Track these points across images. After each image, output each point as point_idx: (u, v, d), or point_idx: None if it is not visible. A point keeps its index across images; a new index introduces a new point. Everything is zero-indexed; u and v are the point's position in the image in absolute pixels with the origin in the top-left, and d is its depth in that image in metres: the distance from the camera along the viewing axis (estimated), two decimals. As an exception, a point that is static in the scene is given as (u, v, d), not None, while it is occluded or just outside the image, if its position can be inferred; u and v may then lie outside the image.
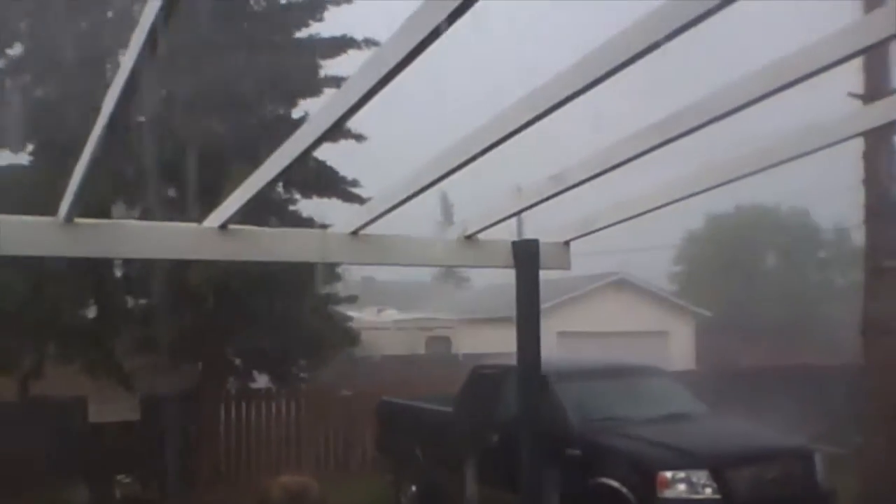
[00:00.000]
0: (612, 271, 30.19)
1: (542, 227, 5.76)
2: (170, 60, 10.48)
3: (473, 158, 3.73)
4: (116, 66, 3.28)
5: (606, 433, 9.08)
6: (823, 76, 3.13)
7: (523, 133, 3.41)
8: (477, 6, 2.31)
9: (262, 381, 15.31)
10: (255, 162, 4.07)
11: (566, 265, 5.58)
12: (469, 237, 5.18)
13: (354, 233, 4.78)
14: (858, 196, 13.00)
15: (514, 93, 3.38)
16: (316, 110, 3.54)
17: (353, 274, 25.87)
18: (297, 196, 14.12)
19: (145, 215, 11.55)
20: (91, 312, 13.29)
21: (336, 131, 3.21)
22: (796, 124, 4.02)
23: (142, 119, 11.31)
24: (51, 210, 4.08)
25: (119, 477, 13.04)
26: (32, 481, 12.05)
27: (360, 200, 13.33)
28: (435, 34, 2.40)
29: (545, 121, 3.30)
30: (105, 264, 12.10)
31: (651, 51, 2.72)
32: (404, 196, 4.30)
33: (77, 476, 12.60)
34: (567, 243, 5.51)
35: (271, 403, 15.02)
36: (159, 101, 11.29)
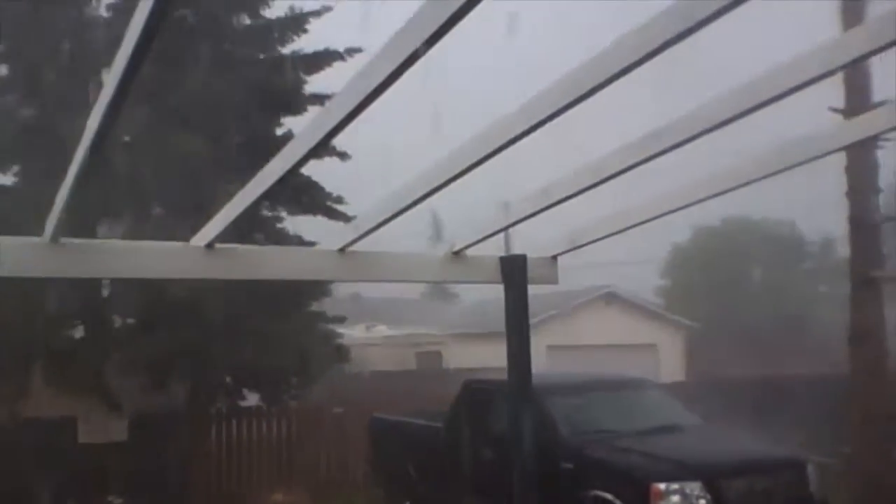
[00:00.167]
0: (600, 285, 30.24)
1: (531, 241, 5.78)
2: (153, 80, 10.48)
3: (460, 175, 3.74)
4: (100, 85, 3.27)
5: (598, 446, 9.08)
6: (804, 91, 3.16)
7: (513, 147, 3.42)
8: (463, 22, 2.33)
9: (252, 399, 15.24)
10: (241, 179, 4.07)
11: (554, 280, 5.59)
12: (457, 253, 5.18)
13: (342, 250, 4.77)
14: (843, 208, 13.12)
15: (501, 108, 3.39)
16: (301, 128, 3.54)
17: (342, 291, 25.83)
18: (283, 214, 14.12)
19: (131, 234, 11.52)
20: (78, 333, 13.23)
21: (322, 149, 3.22)
22: (779, 139, 4.05)
23: (126, 139, 11.31)
24: (36, 230, 4.06)
25: (110, 498, 12.94)
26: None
27: (345, 218, 13.33)
28: (416, 56, 2.41)
29: (533, 135, 3.32)
30: (91, 284, 12.05)
31: (635, 67, 2.74)
32: (392, 213, 4.30)
33: (68, 498, 12.51)
34: (555, 258, 5.52)
35: (262, 421, 14.95)
36: (143, 120, 11.26)
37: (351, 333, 22.09)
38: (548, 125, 3.22)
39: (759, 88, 3.22)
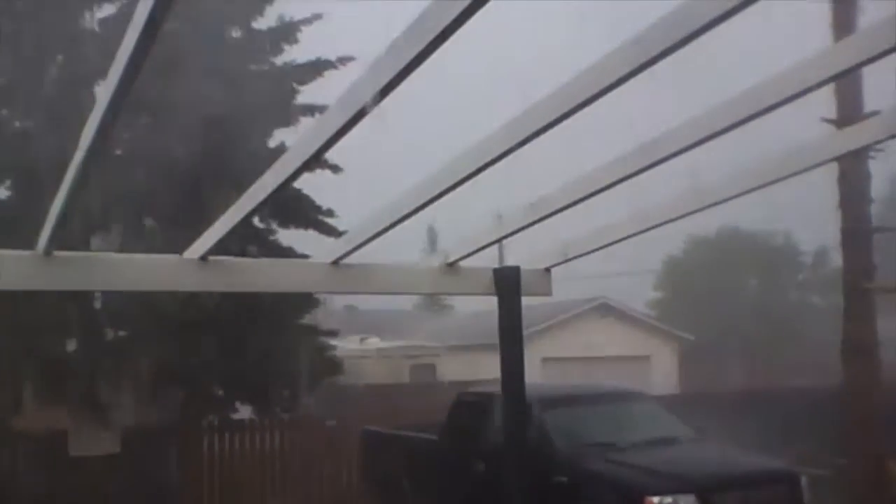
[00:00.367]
0: (593, 297, 30.25)
1: (524, 253, 5.79)
2: (146, 93, 10.48)
3: (453, 187, 3.74)
4: (94, 98, 3.28)
5: (592, 459, 9.06)
6: (796, 101, 3.17)
7: (506, 159, 3.43)
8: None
9: (245, 411, 15.18)
10: (235, 192, 4.07)
11: (548, 292, 5.60)
12: (451, 265, 5.19)
13: (335, 262, 4.77)
14: (835, 219, 13.16)
15: (494, 118, 3.41)
16: (294, 141, 3.54)
17: (336, 303, 25.77)
18: (275, 226, 14.12)
19: (124, 247, 11.50)
20: (70, 345, 13.18)
21: (314, 162, 3.22)
22: (771, 149, 4.07)
23: (118, 152, 11.30)
24: (29, 243, 4.06)
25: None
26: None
27: (336, 233, 13.33)
28: (411, 67, 2.42)
29: (526, 147, 3.33)
30: (84, 296, 12.01)
31: (625, 81, 2.76)
32: (385, 225, 4.30)
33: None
34: (548, 270, 5.53)
35: (255, 434, 14.88)
36: (137, 132, 11.27)
37: (344, 346, 22.03)
38: (539, 138, 3.23)
39: (750, 100, 3.23)
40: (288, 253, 13.17)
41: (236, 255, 4.69)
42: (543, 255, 5.52)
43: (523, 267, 5.28)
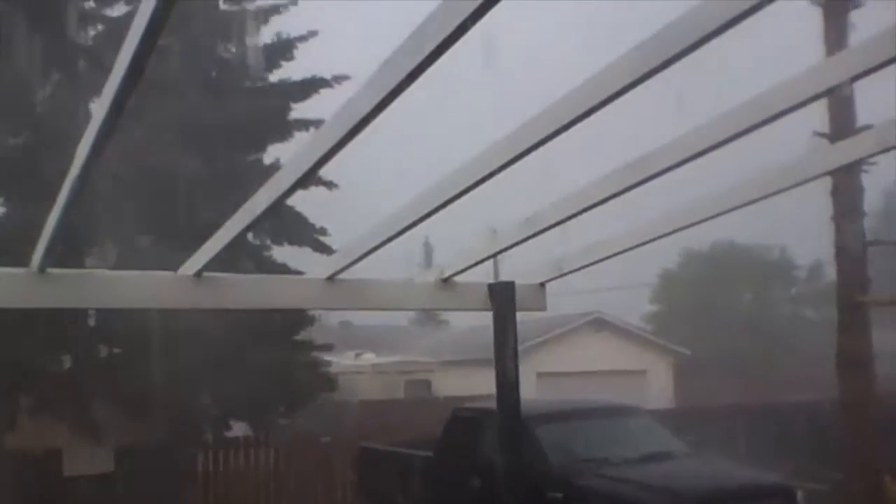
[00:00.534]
0: (588, 311, 30.23)
1: (519, 268, 5.79)
2: (142, 109, 10.49)
3: (448, 202, 3.75)
4: (89, 115, 3.27)
5: (588, 475, 9.03)
6: (789, 116, 3.19)
7: (501, 175, 3.44)
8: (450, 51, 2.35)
9: (240, 428, 15.12)
10: (229, 208, 4.07)
11: (542, 307, 5.60)
12: (446, 280, 5.19)
13: (330, 278, 4.77)
14: (829, 232, 13.19)
15: (486, 135, 3.42)
16: (288, 157, 3.55)
17: (331, 319, 25.72)
18: (269, 243, 14.12)
19: (119, 263, 11.48)
20: (65, 363, 13.12)
21: (308, 179, 3.23)
22: (764, 164, 4.08)
23: (113, 168, 11.26)
24: (23, 261, 4.05)
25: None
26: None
27: (330, 251, 13.33)
28: (403, 86, 2.43)
29: (520, 163, 3.34)
30: (78, 314, 11.98)
31: (619, 96, 2.77)
32: (380, 241, 4.31)
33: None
34: (543, 285, 5.53)
35: (249, 451, 14.81)
36: (132, 149, 11.26)
37: (339, 361, 21.98)
38: (534, 153, 3.24)
39: (743, 114, 3.25)
40: (282, 269, 13.17)
41: (231, 271, 4.68)
42: (538, 269, 5.52)
43: (518, 282, 5.28)
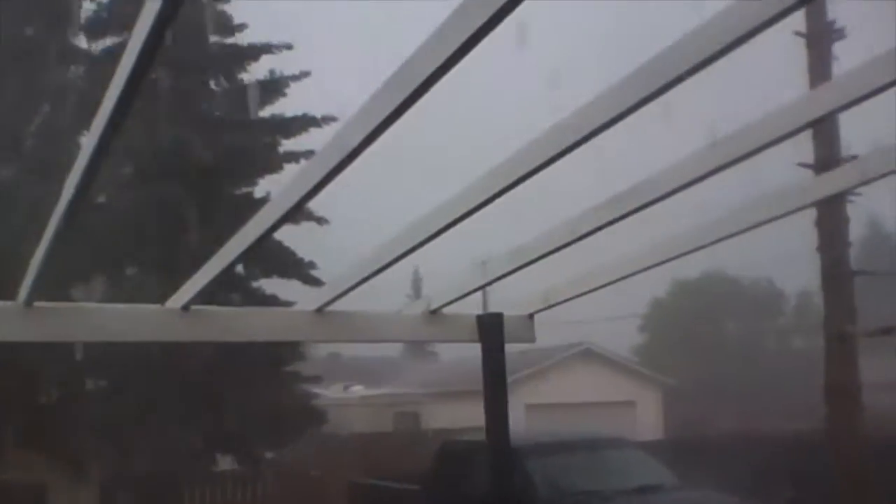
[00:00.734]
0: (577, 342, 30.21)
1: (508, 299, 5.78)
2: (131, 141, 10.50)
3: (438, 234, 3.75)
4: (78, 146, 3.27)
5: (577, 507, 8.98)
6: (775, 147, 3.22)
7: (490, 206, 3.45)
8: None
9: (228, 462, 14.98)
10: (217, 240, 4.06)
11: (531, 338, 5.58)
12: (434, 311, 5.17)
13: (319, 310, 4.75)
14: (815, 262, 13.25)
15: (479, 162, 3.44)
16: (277, 191, 3.56)
17: (319, 350, 25.62)
18: (258, 274, 14.12)
19: (107, 296, 11.44)
20: (51, 396, 13.01)
21: (297, 213, 3.23)
22: (750, 195, 4.11)
23: (101, 200, 11.27)
24: (9, 294, 4.02)
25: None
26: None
27: (319, 284, 13.33)
28: (392, 119, 2.45)
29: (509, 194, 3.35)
30: (65, 346, 11.89)
31: (606, 129, 2.80)
32: (368, 272, 4.30)
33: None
34: (531, 316, 5.52)
35: (236, 485, 14.68)
36: (121, 181, 11.27)
37: (327, 394, 21.87)
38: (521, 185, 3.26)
39: (730, 146, 3.28)
40: (271, 301, 13.14)
41: (219, 304, 4.66)
42: (527, 300, 5.52)
43: (507, 313, 5.27)
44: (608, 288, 5.06)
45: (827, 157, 12.07)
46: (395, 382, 32.41)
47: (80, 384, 13.08)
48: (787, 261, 24.89)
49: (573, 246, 4.19)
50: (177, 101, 12.68)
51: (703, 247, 4.35)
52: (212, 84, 14.21)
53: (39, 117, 12.64)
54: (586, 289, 5.08)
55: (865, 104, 2.89)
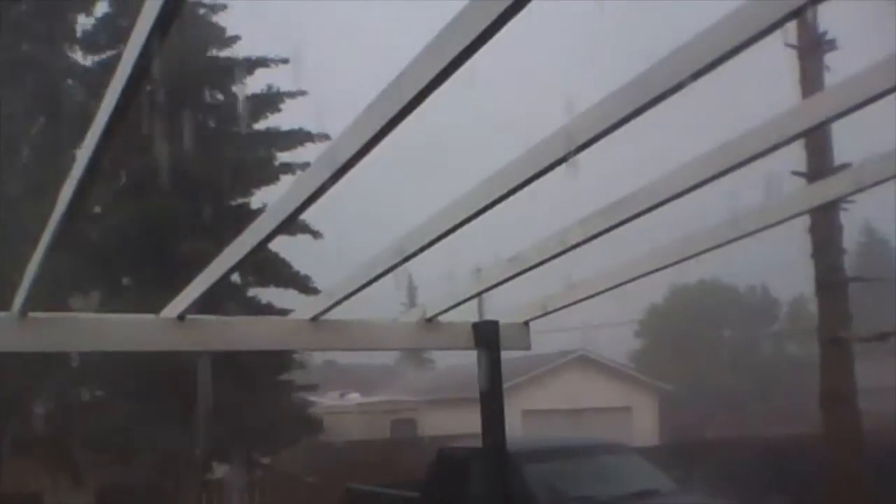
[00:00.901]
0: (572, 348, 30.23)
1: (503, 306, 5.78)
2: (125, 151, 10.51)
3: (433, 242, 3.76)
4: (73, 158, 3.27)
5: (574, 514, 8.98)
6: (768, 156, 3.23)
7: (485, 214, 3.46)
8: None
9: (223, 469, 14.96)
10: (211, 251, 4.07)
11: (527, 345, 5.59)
12: (430, 320, 5.18)
13: (314, 319, 4.76)
14: (810, 269, 13.29)
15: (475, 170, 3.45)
16: (273, 201, 3.56)
17: (315, 358, 25.61)
18: (253, 283, 14.14)
19: (103, 306, 11.43)
20: (46, 405, 12.99)
21: (292, 224, 3.24)
22: (744, 204, 4.13)
23: (97, 210, 11.27)
24: (4, 304, 4.02)
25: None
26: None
27: (315, 293, 13.35)
28: (385, 131, 2.46)
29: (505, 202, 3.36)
30: (60, 356, 11.87)
31: (599, 139, 2.81)
32: (364, 281, 4.31)
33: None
34: (527, 323, 5.53)
35: (232, 493, 14.66)
36: (116, 191, 11.27)
37: (323, 402, 21.85)
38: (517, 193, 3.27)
39: (723, 155, 3.29)
40: (267, 309, 13.14)
41: (214, 313, 4.65)
42: (522, 308, 5.53)
43: (502, 321, 5.28)
44: (604, 295, 5.07)
45: (820, 166, 12.12)
46: (392, 390, 32.41)
47: (76, 394, 13.05)
48: (783, 268, 24.94)
49: (569, 253, 4.21)
50: (171, 113, 12.69)
51: (698, 254, 4.36)
52: (207, 96, 14.24)
53: (35, 129, 12.64)
54: (582, 296, 5.10)
55: (857, 113, 2.91)
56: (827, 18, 13.01)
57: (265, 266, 13.22)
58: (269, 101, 14.21)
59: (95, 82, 12.11)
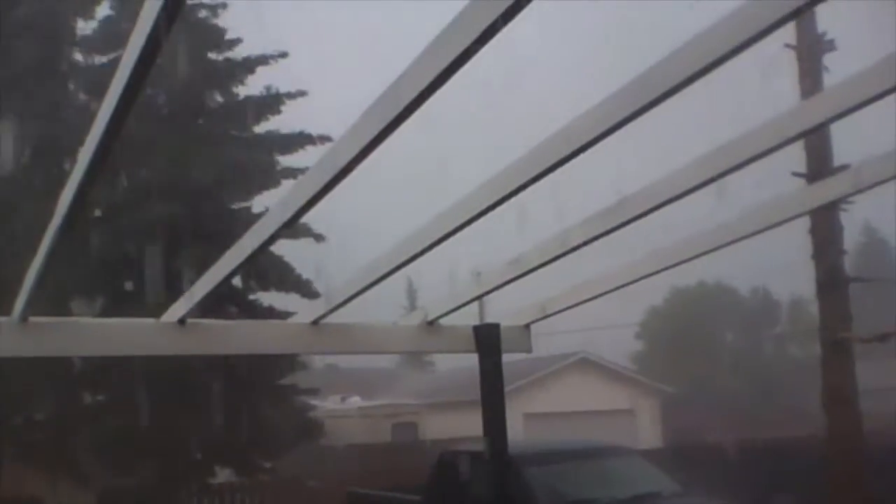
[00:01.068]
0: (574, 351, 30.19)
1: (504, 309, 5.79)
2: (127, 156, 10.51)
3: (432, 246, 3.76)
4: (73, 162, 3.27)
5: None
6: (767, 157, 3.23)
7: (485, 216, 3.46)
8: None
9: (226, 474, 14.95)
10: (212, 255, 4.07)
11: (528, 348, 5.60)
12: (431, 323, 5.18)
13: (315, 322, 4.76)
14: (810, 270, 13.28)
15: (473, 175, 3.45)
16: (273, 204, 3.56)
17: (316, 362, 25.56)
18: (254, 285, 14.11)
19: (105, 311, 11.44)
20: (48, 409, 12.99)
21: (292, 227, 3.24)
22: (743, 205, 4.12)
23: (98, 214, 11.27)
24: (5, 309, 4.02)
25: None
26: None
27: (318, 296, 13.34)
28: (384, 134, 2.46)
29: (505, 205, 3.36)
30: (62, 360, 11.87)
31: (598, 141, 2.81)
32: (364, 285, 4.31)
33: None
34: (527, 326, 5.53)
35: (234, 497, 14.64)
36: (116, 196, 11.27)
37: (324, 405, 21.83)
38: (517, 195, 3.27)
39: (723, 157, 3.29)
40: (268, 313, 13.14)
41: (216, 314, 4.66)
42: (523, 311, 5.53)
43: (503, 324, 5.28)
44: (605, 297, 5.07)
45: (819, 167, 12.12)
46: (393, 393, 32.37)
47: (78, 398, 13.05)
48: (783, 269, 24.93)
49: (569, 256, 4.20)
50: (172, 116, 12.71)
51: (698, 256, 4.36)
52: (207, 99, 14.21)
53: (36, 133, 12.64)
54: (583, 298, 5.10)
55: (855, 114, 2.91)
56: (825, 19, 13.03)
57: (268, 270, 13.20)
58: (269, 103, 14.16)
59: (96, 86, 12.13)
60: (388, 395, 31.71)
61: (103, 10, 14.22)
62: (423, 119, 2.59)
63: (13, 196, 12.27)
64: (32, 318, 3.99)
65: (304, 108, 14.42)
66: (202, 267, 4.20)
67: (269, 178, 13.91)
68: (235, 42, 14.53)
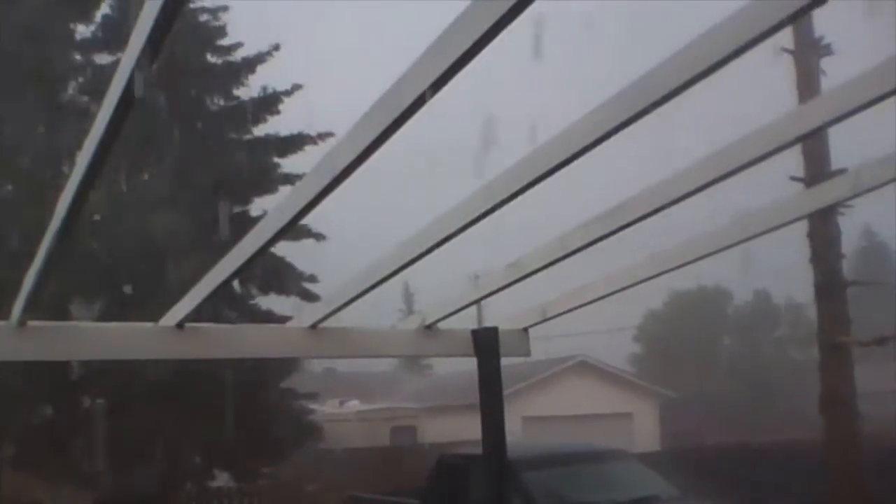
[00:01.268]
0: (572, 355, 30.20)
1: (502, 312, 5.78)
2: (125, 160, 10.51)
3: (432, 249, 3.76)
4: (72, 165, 3.26)
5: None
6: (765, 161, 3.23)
7: (484, 221, 3.46)
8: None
9: (224, 477, 14.93)
10: (210, 259, 4.06)
11: (526, 352, 5.59)
12: (429, 327, 5.17)
13: (313, 326, 4.75)
14: (809, 274, 13.29)
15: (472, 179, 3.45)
16: (273, 207, 3.56)
17: (315, 366, 25.57)
18: (255, 292, 14.10)
19: (103, 315, 11.43)
20: (46, 414, 12.97)
21: (293, 229, 3.23)
22: (742, 209, 4.13)
23: (97, 217, 11.26)
24: (3, 313, 4.01)
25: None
26: None
27: (318, 299, 13.32)
28: (384, 137, 2.46)
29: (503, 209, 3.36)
30: (60, 365, 11.86)
31: (596, 146, 2.81)
32: (363, 288, 4.30)
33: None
34: (526, 330, 5.53)
35: (233, 501, 14.63)
36: (115, 199, 11.26)
37: (323, 409, 21.81)
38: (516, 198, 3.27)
39: (721, 160, 3.29)
40: (267, 317, 13.13)
41: (214, 319, 4.65)
42: (521, 314, 5.52)
43: (501, 327, 5.28)
44: (604, 300, 5.06)
45: (817, 171, 12.14)
46: (391, 397, 32.35)
47: (77, 402, 13.03)
48: (782, 273, 24.94)
49: (567, 259, 4.20)
50: (172, 119, 12.70)
51: (697, 259, 4.36)
52: (207, 102, 14.20)
53: (34, 136, 12.63)
54: (581, 302, 5.09)
55: (853, 118, 2.91)
56: (822, 23, 13.05)
57: (271, 271, 13.18)
58: (267, 103, 14.13)
59: (95, 88, 12.13)
60: (387, 399, 31.67)
61: (103, 10, 14.19)
62: (424, 119, 2.58)
63: (11, 199, 12.28)
64: (30, 323, 3.98)
65: (305, 109, 14.41)
66: (201, 271, 4.20)
67: (268, 183, 13.90)
68: (236, 46, 14.51)
